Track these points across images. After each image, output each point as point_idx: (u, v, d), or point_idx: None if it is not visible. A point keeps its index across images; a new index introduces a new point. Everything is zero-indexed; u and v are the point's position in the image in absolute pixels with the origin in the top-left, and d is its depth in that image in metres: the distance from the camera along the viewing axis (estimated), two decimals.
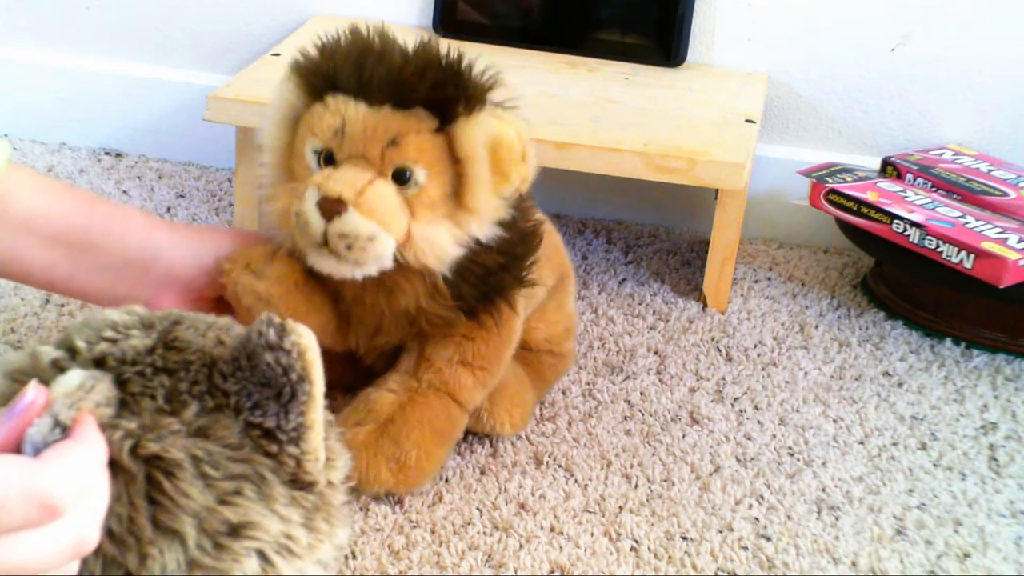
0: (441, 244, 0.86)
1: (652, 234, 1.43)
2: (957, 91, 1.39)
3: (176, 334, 0.66)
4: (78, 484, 0.56)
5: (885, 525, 0.94)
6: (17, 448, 0.58)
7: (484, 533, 0.90)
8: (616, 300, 1.26)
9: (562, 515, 0.92)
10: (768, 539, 0.92)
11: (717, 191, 1.23)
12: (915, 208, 1.22)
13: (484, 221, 0.88)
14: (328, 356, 0.68)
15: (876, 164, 1.37)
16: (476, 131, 0.85)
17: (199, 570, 0.61)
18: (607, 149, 1.17)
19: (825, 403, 1.10)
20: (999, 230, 1.18)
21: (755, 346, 1.19)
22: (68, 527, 0.56)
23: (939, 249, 1.17)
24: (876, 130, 1.42)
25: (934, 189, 1.30)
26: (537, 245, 0.94)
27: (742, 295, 1.29)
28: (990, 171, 1.33)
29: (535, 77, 1.34)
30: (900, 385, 1.14)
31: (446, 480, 0.95)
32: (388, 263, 0.86)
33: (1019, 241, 1.16)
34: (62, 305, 1.15)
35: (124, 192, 1.42)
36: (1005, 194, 1.28)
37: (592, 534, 0.91)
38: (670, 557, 0.89)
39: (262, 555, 0.63)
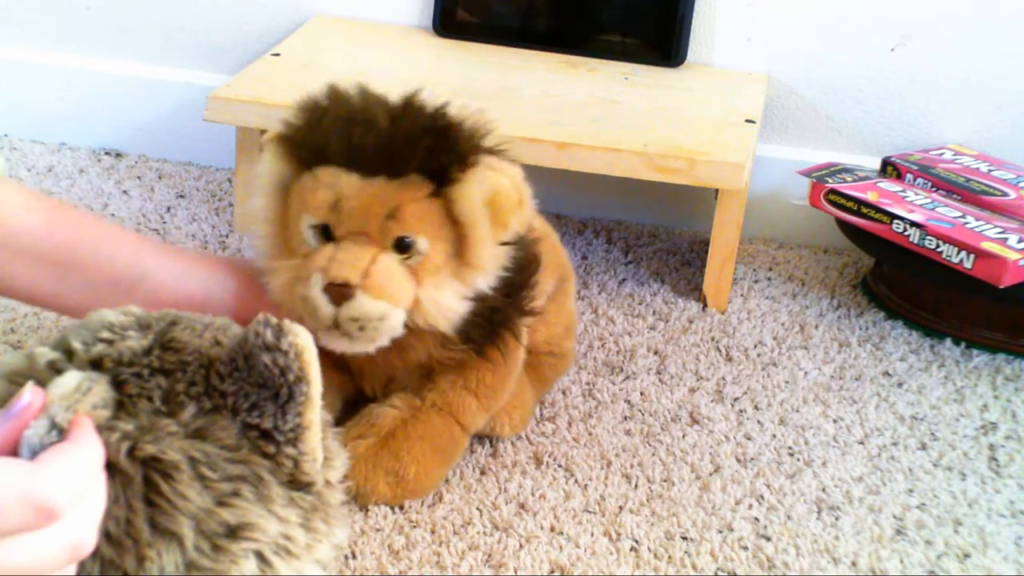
0: (449, 305, 0.86)
1: (652, 234, 1.43)
2: (957, 91, 1.39)
3: (173, 335, 0.66)
4: (75, 487, 0.56)
5: (885, 525, 0.94)
6: (14, 451, 0.58)
7: (484, 533, 0.90)
8: (616, 300, 1.26)
9: (562, 515, 0.92)
10: (768, 539, 0.92)
11: (717, 191, 1.23)
12: (915, 208, 1.22)
13: (488, 273, 0.88)
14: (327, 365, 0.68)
15: (876, 164, 1.37)
16: (473, 190, 0.84)
17: (197, 571, 0.61)
18: (607, 149, 1.17)
19: (825, 403, 1.10)
20: (999, 230, 1.18)
21: (755, 346, 1.19)
22: (65, 530, 0.56)
23: (939, 249, 1.16)
24: (876, 130, 1.42)
25: (934, 189, 1.30)
26: (536, 268, 0.93)
27: (742, 295, 1.29)
28: (990, 171, 1.33)
29: (535, 77, 1.34)
30: (900, 385, 1.14)
31: (446, 480, 0.95)
32: (400, 332, 0.86)
33: (1019, 241, 1.16)
34: None
35: (124, 192, 1.42)
36: (1005, 194, 1.28)
37: (592, 534, 0.91)
38: (670, 557, 0.89)
39: (260, 556, 0.63)
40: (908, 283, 1.25)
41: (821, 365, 1.16)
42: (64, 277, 0.87)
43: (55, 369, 0.64)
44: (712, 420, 1.06)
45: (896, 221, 1.20)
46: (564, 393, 1.08)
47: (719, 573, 0.88)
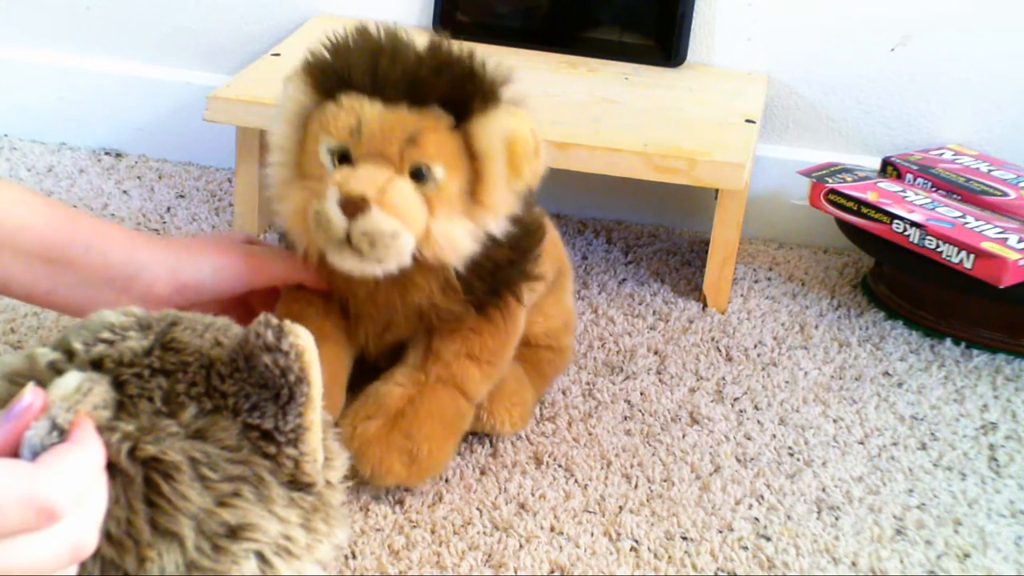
0: (459, 239, 0.86)
1: (652, 234, 1.43)
2: (957, 91, 1.39)
3: (173, 335, 0.66)
4: (76, 488, 0.56)
5: (885, 525, 0.94)
6: (15, 451, 0.58)
7: (484, 533, 0.90)
8: (616, 300, 1.26)
9: (562, 515, 0.92)
10: (768, 539, 0.92)
11: (717, 191, 1.23)
12: (915, 208, 1.22)
13: (499, 216, 0.88)
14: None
15: (876, 164, 1.37)
16: (493, 128, 0.85)
17: (198, 572, 0.61)
18: (607, 149, 1.17)
19: (825, 403, 1.10)
20: (999, 230, 1.18)
21: (755, 346, 1.19)
22: (66, 531, 0.56)
23: (939, 249, 1.17)
24: (876, 130, 1.42)
25: (934, 189, 1.30)
26: (541, 238, 0.94)
27: (742, 295, 1.29)
28: (990, 171, 1.33)
29: (535, 77, 1.34)
30: (900, 385, 1.14)
31: (446, 480, 0.95)
32: (408, 260, 0.86)
33: (1019, 241, 1.16)
34: None
35: (124, 192, 1.42)
36: (1005, 194, 1.28)
37: (592, 534, 0.91)
38: (670, 557, 0.89)
39: (261, 556, 0.63)
40: (908, 283, 1.25)
41: (821, 365, 1.16)
42: (59, 275, 0.87)
43: (56, 370, 0.64)
44: (712, 420, 1.06)
45: (896, 221, 1.20)
46: (564, 393, 1.08)
47: (719, 573, 0.88)
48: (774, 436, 1.04)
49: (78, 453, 0.58)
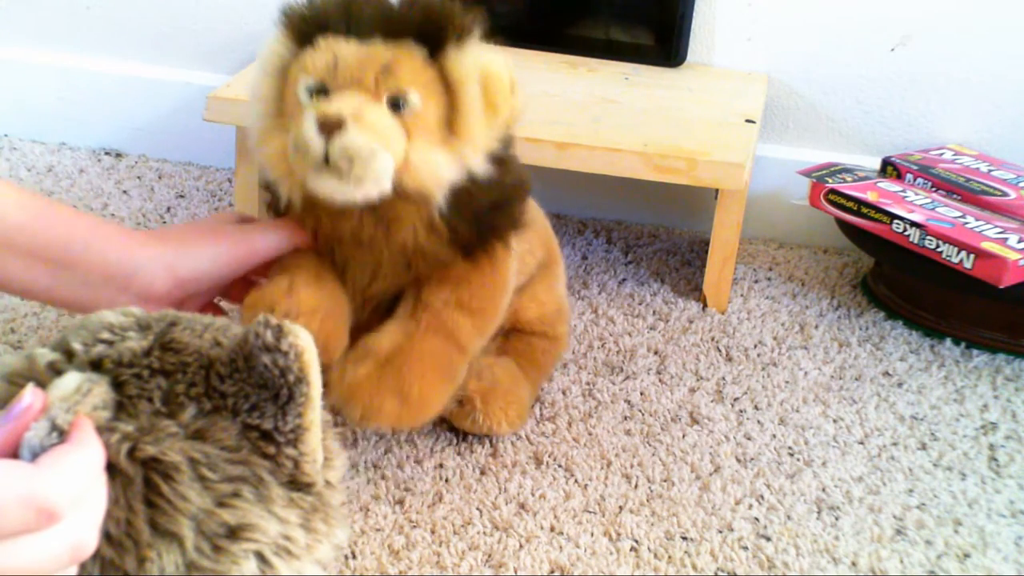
0: (438, 167, 0.87)
1: (652, 234, 1.43)
2: (957, 91, 1.39)
3: (173, 336, 0.66)
4: (76, 489, 0.56)
5: (885, 525, 0.94)
6: (14, 452, 0.58)
7: (484, 533, 0.90)
8: (616, 300, 1.26)
9: (562, 515, 0.92)
10: (768, 539, 0.92)
11: (717, 191, 1.23)
12: (915, 208, 1.22)
13: (477, 150, 0.88)
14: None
15: (876, 164, 1.37)
16: (467, 59, 0.86)
17: (197, 572, 0.61)
18: (607, 149, 1.17)
19: (825, 403, 1.10)
20: (999, 230, 1.18)
21: (755, 346, 1.19)
22: (66, 532, 0.56)
23: (939, 249, 1.17)
24: (876, 130, 1.42)
25: (934, 189, 1.30)
26: (526, 193, 0.95)
27: (742, 295, 1.29)
28: (990, 171, 1.33)
29: (535, 77, 1.34)
30: (900, 385, 1.14)
31: (446, 480, 0.95)
32: (387, 184, 0.86)
33: (1019, 241, 1.16)
34: None
35: (124, 192, 1.42)
36: (1005, 194, 1.28)
37: (592, 534, 0.91)
38: (670, 557, 0.89)
39: (260, 556, 0.63)
40: (908, 283, 1.25)
41: (821, 365, 1.16)
42: (58, 275, 0.87)
43: (55, 370, 0.64)
44: (712, 420, 1.06)
45: (896, 221, 1.20)
46: (564, 393, 1.08)
47: (719, 573, 0.88)
48: (774, 436, 1.04)
49: (78, 454, 0.58)
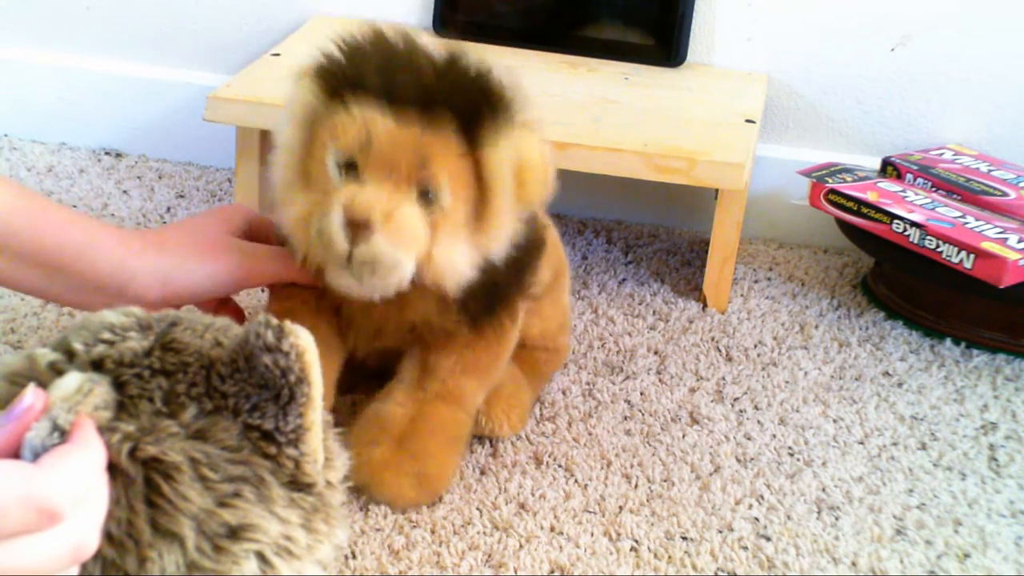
0: (459, 266, 0.85)
1: (652, 234, 1.43)
2: (957, 91, 1.39)
3: (174, 336, 0.66)
4: (77, 489, 0.56)
5: (885, 525, 0.94)
6: (15, 453, 0.58)
7: (484, 533, 0.90)
8: (616, 300, 1.26)
9: (562, 515, 0.92)
10: (768, 539, 0.92)
11: (717, 191, 1.23)
12: (915, 208, 1.22)
13: (501, 240, 0.87)
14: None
15: (876, 164, 1.37)
16: (505, 154, 0.83)
17: (198, 572, 0.61)
18: (607, 149, 1.17)
19: (825, 403, 1.10)
20: (999, 230, 1.18)
21: (755, 346, 1.19)
22: (67, 532, 0.56)
23: (939, 249, 1.17)
24: (876, 130, 1.42)
25: (934, 189, 1.30)
26: (541, 253, 0.94)
27: (742, 295, 1.29)
28: (990, 171, 1.33)
29: (535, 77, 1.34)
30: (900, 385, 1.14)
31: None
32: (407, 284, 0.85)
33: (1019, 241, 1.16)
34: (62, 305, 1.15)
35: (124, 192, 1.42)
36: (1005, 194, 1.28)
37: (592, 534, 0.91)
38: (670, 557, 0.89)
39: (261, 557, 0.63)
40: (908, 283, 1.26)
41: (821, 365, 1.16)
42: (51, 278, 0.87)
43: (56, 370, 0.64)
44: (712, 420, 1.06)
45: (896, 221, 1.20)
46: (564, 393, 1.08)
47: (719, 573, 0.88)
48: (774, 436, 1.04)
49: (79, 454, 0.58)
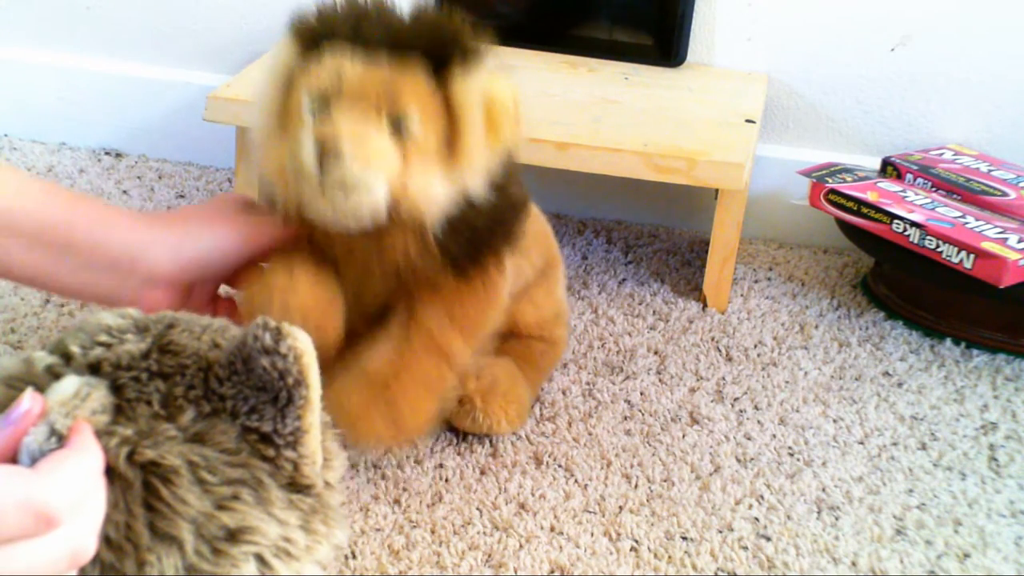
0: (433, 193, 0.86)
1: (652, 234, 1.43)
2: (957, 91, 1.39)
3: (171, 338, 0.66)
4: (75, 494, 0.56)
5: (885, 525, 0.94)
6: (13, 457, 0.58)
7: (484, 533, 0.90)
8: (616, 300, 1.26)
9: (562, 515, 0.92)
10: (768, 539, 0.92)
11: (717, 191, 1.23)
12: (915, 208, 1.22)
13: (476, 175, 0.88)
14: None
15: (876, 164, 1.37)
16: (472, 83, 0.85)
17: (197, 575, 0.61)
18: (607, 149, 1.17)
19: (825, 403, 1.10)
20: (999, 230, 1.18)
21: (755, 346, 1.19)
22: (65, 537, 0.56)
23: (939, 249, 1.17)
24: (876, 130, 1.42)
25: (934, 189, 1.30)
26: (524, 212, 0.94)
27: (742, 295, 1.29)
28: (990, 171, 1.33)
29: (535, 77, 1.34)
30: (900, 385, 1.14)
31: (446, 480, 0.95)
32: (382, 211, 0.85)
33: (1019, 241, 1.16)
34: (62, 305, 1.15)
35: (124, 192, 1.42)
36: (1005, 194, 1.28)
37: (592, 534, 0.91)
38: (670, 557, 0.89)
39: (260, 559, 0.63)
40: (908, 283, 1.25)
41: (821, 365, 1.16)
42: (61, 258, 0.87)
43: (53, 373, 0.64)
44: (712, 420, 1.06)
45: (896, 221, 1.20)
46: (564, 393, 1.08)
47: (719, 573, 0.88)
48: (774, 436, 1.04)
49: (77, 459, 0.57)
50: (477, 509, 0.92)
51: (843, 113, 1.42)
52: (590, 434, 1.03)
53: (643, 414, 1.06)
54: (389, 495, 0.93)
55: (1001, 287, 1.13)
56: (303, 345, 0.64)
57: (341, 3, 0.88)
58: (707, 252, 1.24)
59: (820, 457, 1.02)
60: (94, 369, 0.64)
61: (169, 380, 0.64)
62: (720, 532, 0.92)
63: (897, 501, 0.97)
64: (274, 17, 1.47)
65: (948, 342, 1.22)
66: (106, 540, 0.59)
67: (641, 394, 1.09)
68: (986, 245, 1.14)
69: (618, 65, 1.40)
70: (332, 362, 0.92)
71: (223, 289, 0.96)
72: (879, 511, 0.96)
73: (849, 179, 1.28)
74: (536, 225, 0.98)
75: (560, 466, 0.98)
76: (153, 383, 0.64)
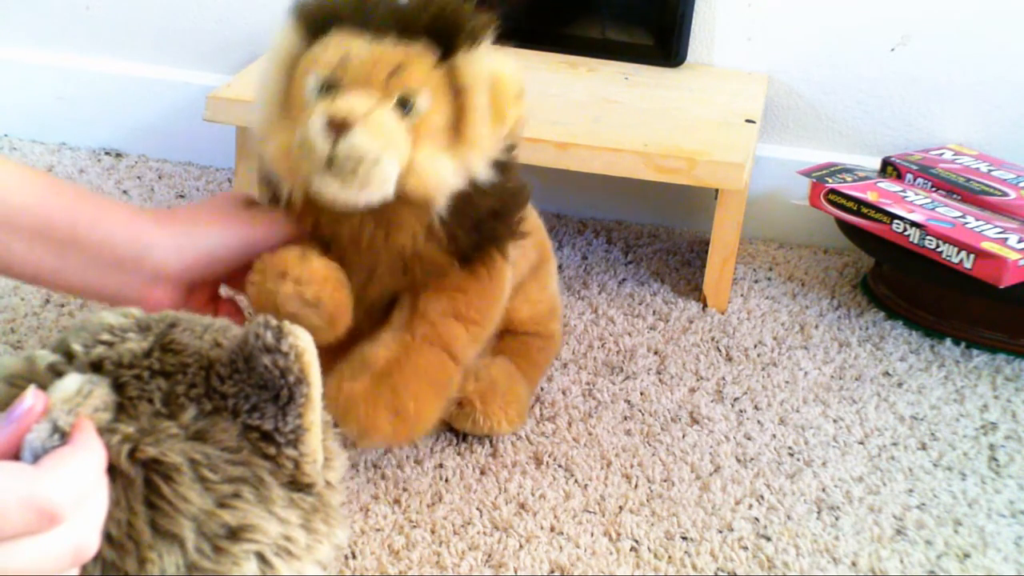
0: (442, 173, 0.86)
1: (652, 234, 1.43)
2: (957, 91, 1.39)
3: (173, 337, 0.66)
4: (77, 491, 0.56)
5: (885, 525, 0.94)
6: (16, 454, 0.58)
7: (484, 533, 0.90)
8: (616, 300, 1.26)
9: (562, 515, 0.92)
10: (768, 539, 0.92)
11: (717, 191, 1.23)
12: (915, 208, 1.22)
13: (482, 155, 0.88)
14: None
15: (876, 164, 1.37)
16: (478, 64, 0.86)
17: (198, 573, 0.61)
18: (607, 149, 1.17)
19: (825, 403, 1.10)
20: (999, 230, 1.18)
21: (755, 346, 1.19)
22: (68, 534, 0.56)
23: (939, 249, 1.17)
24: (876, 130, 1.42)
25: (934, 189, 1.30)
26: (525, 201, 0.95)
27: (742, 295, 1.29)
28: (990, 171, 1.33)
29: (535, 77, 1.34)
30: (900, 385, 1.14)
31: (446, 480, 0.95)
32: (391, 189, 0.85)
33: (1019, 241, 1.16)
34: (62, 305, 1.15)
35: (124, 192, 1.42)
36: (1005, 194, 1.28)
37: (592, 534, 0.91)
38: (670, 557, 0.89)
39: (261, 557, 0.63)
40: (908, 283, 1.26)
41: (821, 365, 1.16)
42: (64, 255, 0.86)
43: (55, 371, 0.64)
44: (712, 420, 1.06)
45: (896, 221, 1.20)
46: (564, 393, 1.08)
47: (719, 573, 0.88)
48: (774, 436, 1.04)
49: (79, 456, 0.57)
50: (477, 509, 0.92)
51: (843, 113, 1.42)
52: (590, 434, 1.03)
53: (643, 414, 1.06)
54: (389, 495, 0.93)
55: (1001, 287, 1.13)
56: (304, 343, 0.64)
57: None
58: (707, 252, 1.24)
59: (820, 457, 1.02)
60: (96, 367, 0.64)
61: (171, 378, 0.64)
62: (720, 532, 0.92)
63: (897, 501, 0.97)
64: (274, 17, 1.47)
65: (948, 342, 1.22)
66: (107, 537, 0.59)
67: (641, 394, 1.09)
68: (986, 245, 1.14)
69: (618, 65, 1.40)
70: (335, 358, 0.92)
71: (223, 290, 0.96)
72: (879, 511, 0.96)
73: (849, 179, 1.28)
74: (529, 218, 0.99)
75: (560, 466, 0.98)
76: (155, 381, 0.64)
